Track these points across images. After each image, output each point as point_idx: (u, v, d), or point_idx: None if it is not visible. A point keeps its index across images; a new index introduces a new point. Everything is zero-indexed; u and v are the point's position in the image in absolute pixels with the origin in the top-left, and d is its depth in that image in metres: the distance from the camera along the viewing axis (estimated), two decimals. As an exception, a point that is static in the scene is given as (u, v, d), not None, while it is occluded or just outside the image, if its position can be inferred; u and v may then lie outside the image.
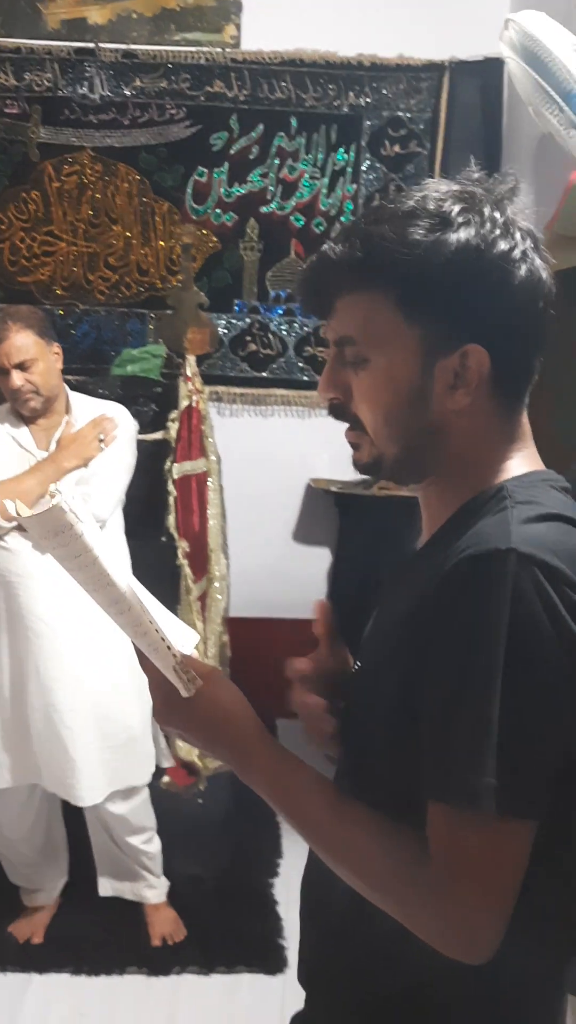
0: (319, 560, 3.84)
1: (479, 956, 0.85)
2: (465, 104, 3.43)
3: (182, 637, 1.03)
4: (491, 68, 3.36)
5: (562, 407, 2.50)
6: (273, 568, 3.76)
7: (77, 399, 2.53)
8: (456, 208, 0.92)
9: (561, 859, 0.91)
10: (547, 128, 1.82)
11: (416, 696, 0.88)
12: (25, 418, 2.45)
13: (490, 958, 0.85)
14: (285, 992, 2.42)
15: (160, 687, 0.98)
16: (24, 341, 2.36)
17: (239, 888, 2.82)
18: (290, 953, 2.56)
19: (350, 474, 3.74)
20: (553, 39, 1.79)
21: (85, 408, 2.51)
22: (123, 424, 2.48)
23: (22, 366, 2.35)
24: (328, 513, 3.75)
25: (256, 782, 0.97)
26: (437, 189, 0.94)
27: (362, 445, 1.00)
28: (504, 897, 0.84)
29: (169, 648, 0.95)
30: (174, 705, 0.97)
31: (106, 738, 2.41)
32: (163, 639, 0.94)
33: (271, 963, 2.53)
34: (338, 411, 1.00)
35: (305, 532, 3.81)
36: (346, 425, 1.02)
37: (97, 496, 2.37)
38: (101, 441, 2.40)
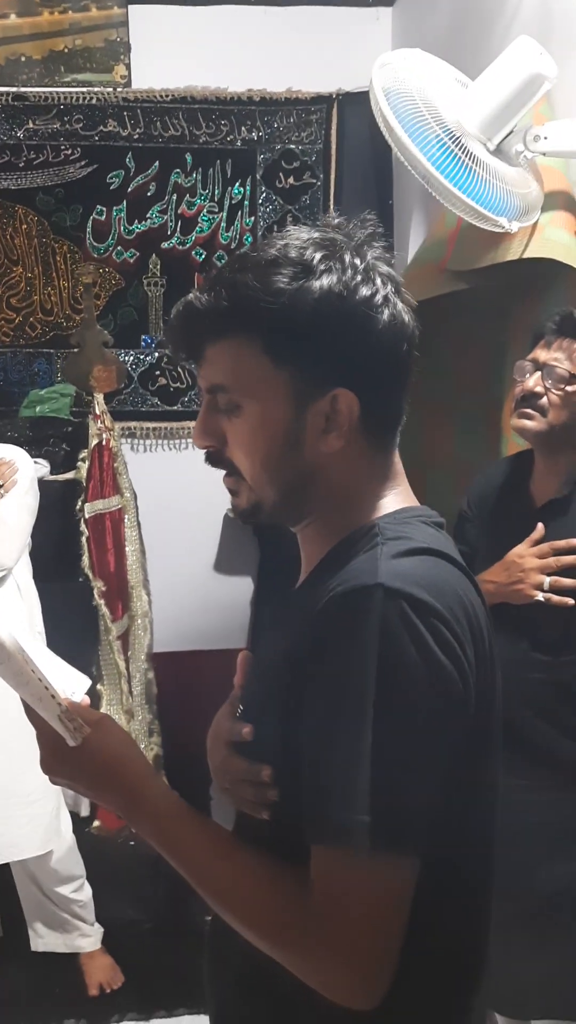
0: (242, 589, 3.83)
1: (366, 1000, 0.84)
2: (355, 134, 3.49)
3: (73, 683, 1.02)
4: (379, 99, 3.43)
5: (462, 430, 2.56)
6: (196, 600, 3.75)
7: None
8: (318, 256, 0.93)
9: (449, 894, 0.91)
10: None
11: (293, 737, 0.88)
12: None
13: (375, 1003, 0.83)
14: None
15: (46, 737, 0.96)
16: None
17: (175, 928, 2.78)
18: (230, 990, 2.53)
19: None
20: (431, 75, 1.83)
21: None
22: (21, 467, 2.45)
23: None
24: (248, 542, 3.75)
25: (143, 828, 0.96)
26: (298, 237, 0.96)
27: (240, 491, 1.01)
28: (388, 937, 0.83)
29: (54, 696, 0.94)
30: (60, 755, 0.96)
31: (16, 796, 2.36)
32: (47, 688, 0.93)
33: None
34: (214, 458, 1.01)
35: (226, 562, 3.81)
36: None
37: (1, 543, 2.34)
38: (0, 487, 2.37)
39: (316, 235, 0.97)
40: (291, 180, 3.56)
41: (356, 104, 3.46)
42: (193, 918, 2.81)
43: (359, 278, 0.94)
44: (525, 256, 2.00)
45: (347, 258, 0.94)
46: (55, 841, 2.44)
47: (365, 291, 0.94)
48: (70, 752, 0.95)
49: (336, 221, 1.00)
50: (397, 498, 1.00)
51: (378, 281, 0.95)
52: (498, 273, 2.13)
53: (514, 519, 1.90)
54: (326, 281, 0.92)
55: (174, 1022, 2.47)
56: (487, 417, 2.35)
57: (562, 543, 1.80)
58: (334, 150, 3.52)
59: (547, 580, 1.79)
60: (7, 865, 2.51)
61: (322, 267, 0.93)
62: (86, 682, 1.07)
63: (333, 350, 0.94)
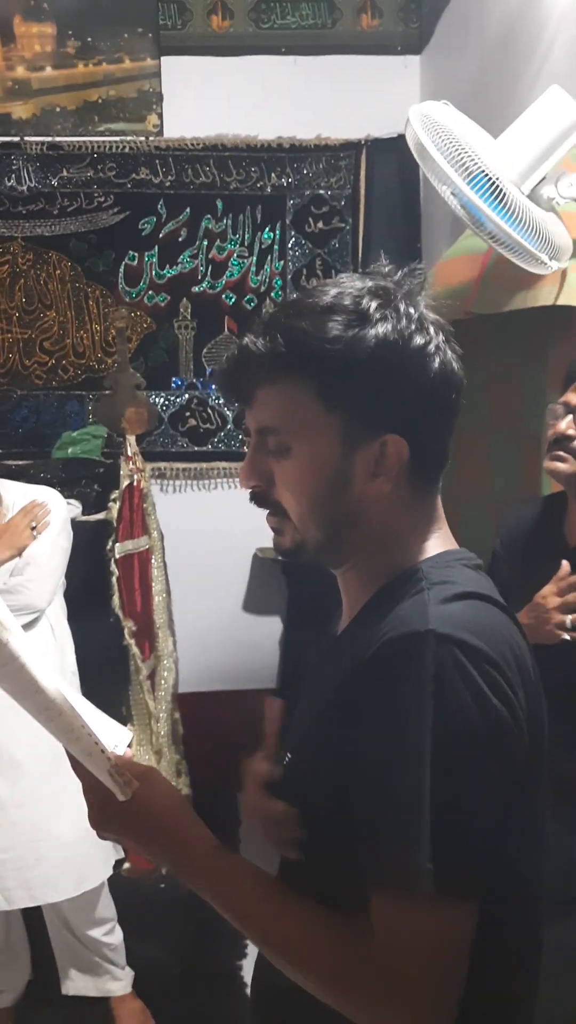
0: (270, 629, 3.84)
1: None
2: (383, 179, 3.56)
3: (115, 736, 1.02)
4: (405, 144, 3.47)
5: (498, 466, 2.57)
6: (224, 640, 3.76)
7: (6, 487, 2.51)
8: (373, 304, 0.95)
9: (504, 939, 0.90)
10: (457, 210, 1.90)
11: (345, 783, 0.89)
12: None
13: None
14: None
15: (94, 792, 0.96)
16: None
17: (206, 971, 2.75)
18: (261, 1036, 2.50)
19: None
20: (462, 123, 1.87)
21: (15, 495, 2.49)
22: (55, 508, 2.46)
23: None
24: (276, 581, 3.76)
25: (195, 882, 0.95)
26: (352, 285, 0.98)
27: (284, 531, 1.01)
28: (450, 981, 0.83)
29: (103, 751, 0.94)
30: (109, 810, 0.96)
31: (75, 832, 2.36)
32: (96, 743, 0.94)
33: (244, 1048, 2.47)
34: (260, 499, 1.02)
35: (254, 602, 3.82)
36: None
37: (34, 585, 2.35)
38: (33, 528, 2.39)
39: (370, 283, 0.98)
40: (320, 225, 3.61)
41: (384, 150, 3.53)
42: (223, 963, 2.79)
43: (413, 327, 0.95)
44: (557, 303, 2.02)
45: (402, 307, 0.96)
46: (88, 884, 2.43)
47: (419, 340, 0.95)
48: (119, 807, 0.95)
49: (386, 270, 1.01)
50: (439, 541, 1.01)
51: (431, 330, 0.97)
52: (532, 314, 2.15)
53: (546, 560, 1.89)
54: (382, 329, 0.94)
55: (205, 1069, 2.44)
56: (524, 453, 2.35)
57: (566, 574, 1.78)
58: (363, 195, 3.57)
59: (569, 618, 1.78)
60: (38, 908, 2.50)
61: (378, 315, 0.94)
62: (128, 735, 1.07)
63: (385, 396, 0.95)
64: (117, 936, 2.58)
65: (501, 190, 1.73)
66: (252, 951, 2.83)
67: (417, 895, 0.81)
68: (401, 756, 0.83)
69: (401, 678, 0.85)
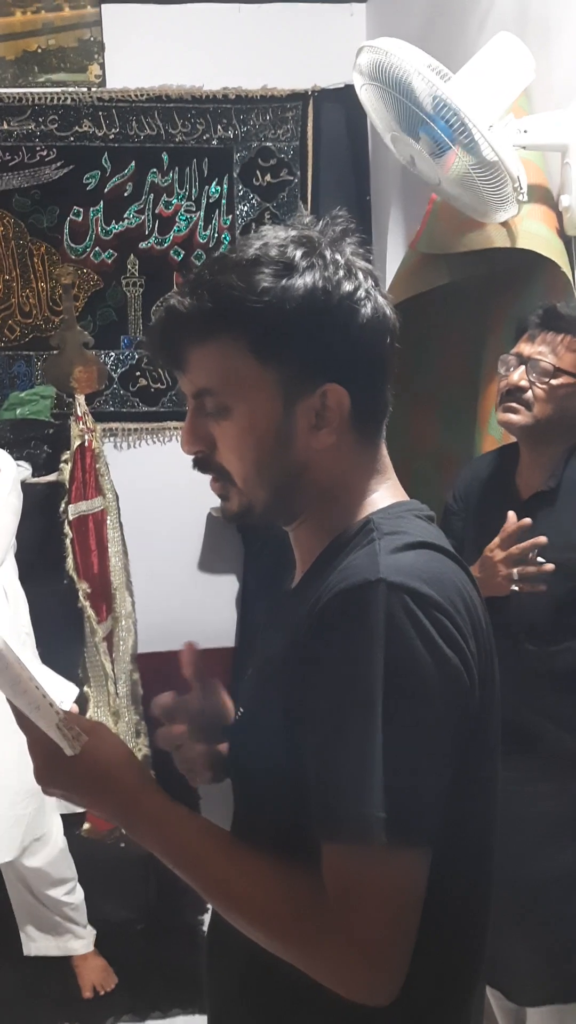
0: (227, 588, 3.83)
1: (382, 996, 0.84)
2: (331, 130, 3.50)
3: (61, 691, 1.01)
4: (353, 94, 3.42)
5: (447, 421, 2.57)
6: (181, 600, 3.74)
7: None
8: (299, 253, 0.94)
9: (454, 886, 0.91)
10: (401, 157, 1.87)
11: (298, 737, 0.89)
12: None
13: (392, 998, 0.84)
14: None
15: (40, 747, 0.95)
16: None
17: (168, 928, 2.79)
18: (224, 988, 2.53)
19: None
20: (408, 62, 1.83)
21: None
22: (4, 468, 2.43)
23: None
24: (232, 540, 3.75)
25: (144, 836, 0.95)
26: (276, 236, 0.97)
27: (230, 495, 1.00)
28: (406, 931, 0.83)
29: (52, 705, 0.93)
30: (56, 765, 0.94)
31: (20, 792, 2.35)
32: (44, 696, 0.92)
33: (205, 1003, 2.50)
34: (203, 464, 1.01)
35: (210, 561, 3.81)
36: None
37: None
38: None
39: (293, 233, 0.97)
40: (268, 178, 3.55)
41: (332, 100, 3.47)
42: (185, 918, 2.82)
43: (341, 273, 0.94)
44: (510, 247, 2.00)
45: (327, 254, 0.95)
46: (40, 842, 2.42)
47: (348, 286, 0.94)
48: (66, 761, 0.94)
49: (307, 219, 1.00)
50: (388, 492, 1.01)
51: (360, 275, 0.96)
52: (476, 264, 2.14)
53: (500, 512, 1.90)
54: (309, 278, 0.93)
55: (169, 1022, 2.46)
56: (471, 408, 2.35)
57: (513, 527, 1.79)
58: (311, 147, 3.52)
59: (516, 571, 1.79)
60: (-2, 870, 2.50)
61: (304, 264, 0.93)
62: (74, 690, 1.06)
63: (319, 346, 0.94)
64: (78, 896, 2.59)
65: (465, 124, 1.70)
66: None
67: (369, 844, 0.81)
68: (352, 704, 0.83)
69: (352, 627, 0.84)
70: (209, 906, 2.80)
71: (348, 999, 0.84)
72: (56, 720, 0.93)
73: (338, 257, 0.95)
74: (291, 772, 0.90)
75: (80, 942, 2.60)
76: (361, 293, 0.95)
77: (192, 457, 1.01)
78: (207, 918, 2.79)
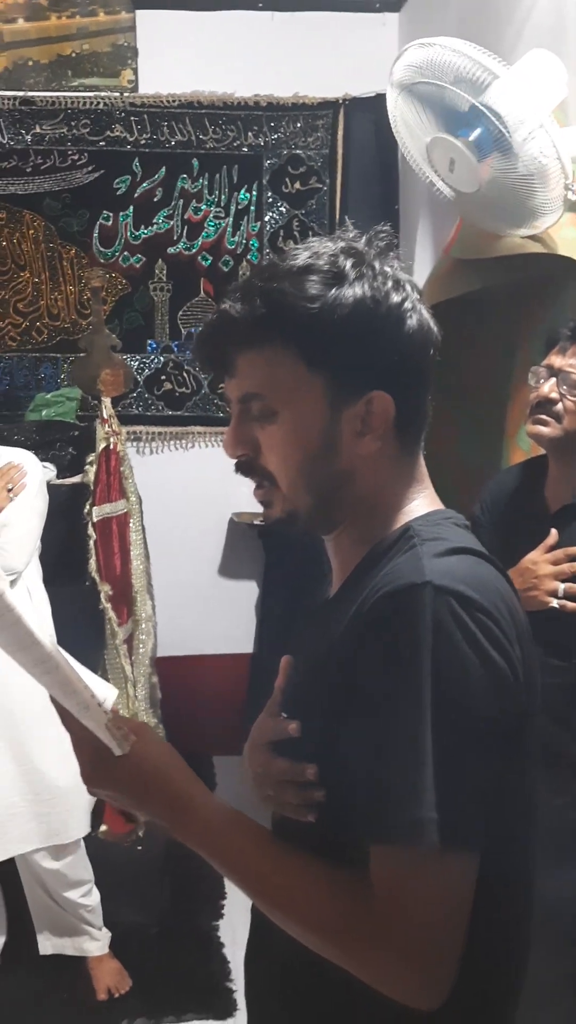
0: (246, 594, 3.84)
1: (433, 999, 0.83)
2: (361, 139, 3.51)
3: (101, 693, 1.01)
4: (383, 103, 3.43)
5: (470, 434, 2.56)
6: (200, 605, 3.76)
7: None
8: (348, 263, 0.95)
9: (502, 888, 0.91)
10: (434, 167, 1.87)
11: (342, 740, 0.89)
12: None
13: (441, 1002, 0.83)
14: (236, 1035, 2.40)
15: (86, 747, 0.94)
16: None
17: (183, 933, 2.78)
18: (239, 996, 2.53)
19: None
20: (465, 54, 1.82)
21: None
22: (31, 470, 2.44)
23: None
24: (252, 546, 3.76)
25: (191, 838, 0.94)
26: (324, 247, 0.98)
27: (273, 501, 1.00)
28: (455, 933, 0.83)
29: (100, 705, 0.93)
30: (103, 765, 0.94)
31: (35, 792, 2.36)
32: (93, 697, 0.92)
33: (220, 1007, 2.50)
34: (246, 468, 1.01)
35: (230, 567, 3.82)
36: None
37: (11, 548, 2.33)
38: (9, 491, 2.36)
39: (342, 244, 0.99)
40: (298, 185, 3.57)
41: (362, 110, 3.48)
42: (200, 923, 2.81)
43: (389, 284, 0.96)
44: (547, 252, 1.99)
45: (376, 266, 0.97)
46: (59, 839, 2.43)
47: (396, 297, 0.96)
48: (114, 762, 0.94)
49: (351, 233, 1.02)
50: (425, 501, 1.01)
51: (407, 288, 0.98)
52: (509, 272, 2.13)
53: (527, 525, 1.90)
54: (359, 288, 0.95)
55: (183, 1027, 2.46)
56: (492, 420, 2.35)
57: (554, 540, 1.79)
58: (340, 155, 3.53)
59: (561, 587, 1.79)
60: (16, 871, 2.50)
61: (354, 275, 0.95)
62: (114, 691, 1.06)
63: (367, 354, 0.95)
64: (94, 898, 2.59)
65: (522, 121, 1.69)
66: (228, 911, 2.88)
67: (420, 847, 0.81)
68: (400, 706, 0.83)
69: (399, 630, 0.85)
70: (227, 912, 2.79)
71: (395, 1001, 0.84)
72: (105, 720, 0.93)
73: (387, 269, 0.97)
74: (336, 776, 0.90)
75: (95, 943, 2.60)
76: (408, 304, 0.97)
77: (235, 461, 1.02)
78: (222, 924, 2.80)
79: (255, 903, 0.96)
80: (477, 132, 1.76)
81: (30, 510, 2.40)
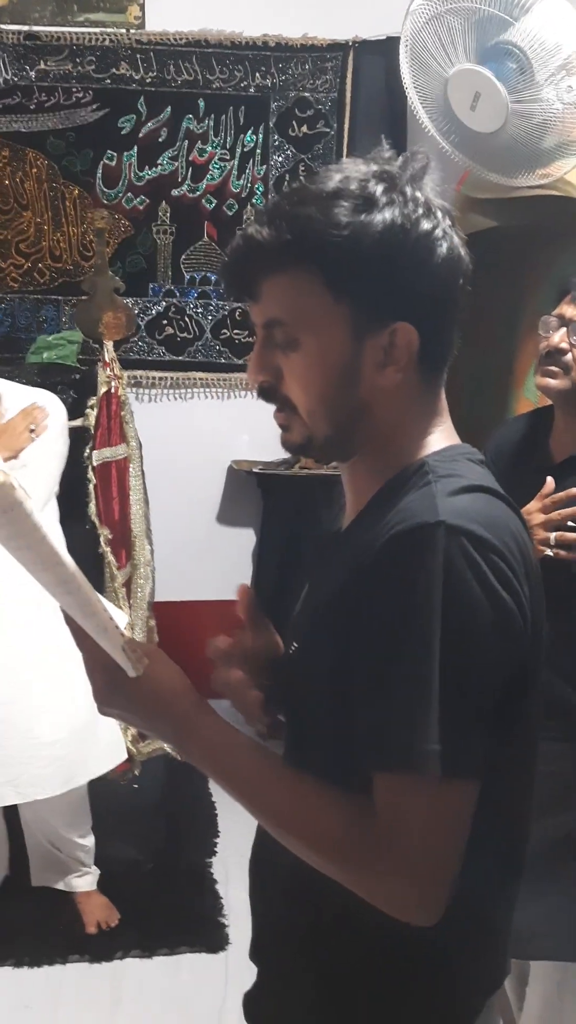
0: (243, 541, 3.86)
1: (429, 917, 0.88)
2: (370, 83, 3.45)
3: (116, 617, 1.03)
4: (394, 47, 3.36)
5: (476, 384, 2.56)
6: (197, 551, 3.77)
7: (6, 388, 2.49)
8: (379, 188, 0.93)
9: (498, 819, 0.94)
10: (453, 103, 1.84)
11: (352, 671, 0.91)
12: None
13: (436, 920, 0.88)
14: (228, 969, 2.45)
15: (100, 668, 0.96)
16: None
17: (177, 869, 2.84)
18: (231, 931, 2.59)
19: (271, 454, 3.77)
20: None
21: (15, 397, 2.46)
22: (54, 413, 2.45)
23: None
24: (250, 494, 3.76)
25: (200, 757, 0.97)
26: (357, 169, 0.96)
27: (292, 426, 1.01)
28: (452, 857, 0.87)
29: (117, 627, 0.95)
30: (117, 686, 0.96)
31: (66, 729, 2.39)
32: (111, 619, 0.94)
33: (213, 941, 2.56)
34: (268, 393, 1.01)
35: (228, 514, 3.83)
36: (271, 407, 1.03)
37: (29, 487, 2.34)
38: (32, 431, 2.37)
39: (375, 168, 0.96)
40: (304, 129, 3.52)
41: (372, 53, 3.42)
42: (193, 861, 2.87)
43: (420, 211, 0.94)
44: (559, 194, 1.97)
45: (408, 191, 0.94)
46: (74, 783, 2.46)
47: (426, 224, 0.94)
48: (128, 683, 0.96)
49: (387, 154, 0.99)
50: (443, 436, 1.02)
51: (438, 214, 0.96)
52: (522, 213, 2.11)
53: (531, 475, 1.90)
54: (388, 214, 0.92)
55: (175, 959, 2.52)
56: (499, 370, 2.35)
57: (561, 495, 1.79)
58: (349, 99, 3.48)
59: (553, 535, 1.80)
60: (15, 806, 2.54)
61: (384, 200, 0.93)
62: (125, 617, 1.08)
63: (393, 283, 0.94)
64: (90, 840, 2.65)
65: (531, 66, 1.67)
66: (221, 849, 2.93)
67: (422, 775, 0.84)
68: (409, 641, 0.85)
69: (411, 568, 0.86)
70: (220, 850, 2.84)
71: (394, 918, 0.88)
72: (121, 642, 0.95)
73: (418, 194, 0.95)
74: (344, 705, 0.92)
75: (83, 880, 2.65)
76: (439, 232, 0.95)
77: (257, 387, 1.02)
78: (215, 861, 2.86)
79: (260, 822, 0.99)
80: (507, 66, 1.72)
81: (51, 452, 2.42)
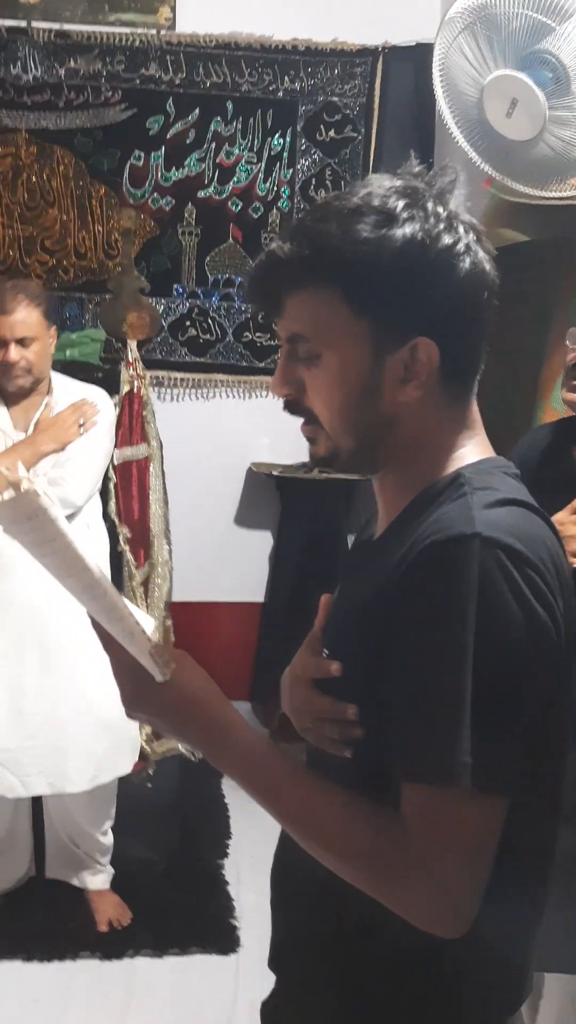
0: (260, 543, 3.86)
1: (456, 929, 0.88)
2: (399, 89, 3.47)
3: (143, 622, 1.03)
4: (424, 53, 3.37)
5: (500, 393, 2.56)
6: (215, 552, 3.78)
7: (59, 381, 2.52)
8: (400, 204, 0.93)
9: (527, 833, 0.94)
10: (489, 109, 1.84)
11: (383, 682, 0.90)
12: (4, 398, 2.42)
13: (463, 932, 0.87)
14: (239, 971, 2.45)
15: (128, 673, 0.96)
16: (30, 318, 2.35)
17: (189, 870, 2.84)
18: (242, 933, 2.59)
19: (291, 458, 3.77)
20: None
21: (67, 391, 2.50)
22: (103, 409, 2.48)
23: (22, 342, 2.33)
24: (269, 497, 3.77)
25: (227, 763, 0.97)
26: (380, 185, 0.96)
27: (318, 439, 1.01)
28: (480, 870, 0.87)
29: (144, 632, 0.94)
30: (145, 691, 0.96)
31: (97, 725, 2.41)
32: (137, 623, 0.93)
33: (224, 943, 2.56)
34: (293, 407, 1.02)
35: (246, 516, 3.83)
36: (298, 419, 1.03)
37: (73, 481, 2.36)
38: (81, 426, 2.39)
39: (399, 183, 0.96)
40: (332, 133, 3.52)
41: (401, 59, 3.43)
42: (207, 861, 2.87)
43: (441, 226, 0.94)
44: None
45: (430, 206, 0.94)
46: (103, 778, 2.48)
47: (447, 239, 0.94)
48: (156, 688, 0.95)
49: (416, 169, 0.99)
50: (477, 448, 1.01)
51: (460, 229, 0.95)
52: (556, 225, 2.11)
53: (557, 485, 1.90)
54: (409, 229, 0.92)
55: (186, 960, 2.52)
56: (526, 380, 2.34)
57: None
58: (377, 104, 3.48)
59: None
60: (39, 800, 2.56)
61: (405, 215, 0.93)
62: (152, 622, 1.07)
63: (413, 299, 0.94)
64: (110, 837, 2.65)
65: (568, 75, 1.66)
66: (234, 851, 2.93)
67: (453, 788, 0.84)
68: (444, 652, 0.85)
69: (446, 578, 0.86)
70: (232, 852, 2.83)
71: (418, 929, 0.88)
72: (149, 647, 0.94)
73: (440, 209, 0.95)
74: (370, 715, 0.93)
75: (98, 878, 2.65)
76: (460, 247, 0.94)
77: (282, 401, 1.02)
78: (227, 863, 2.86)
79: (287, 830, 0.98)
80: (543, 75, 1.72)
81: (96, 448, 2.44)
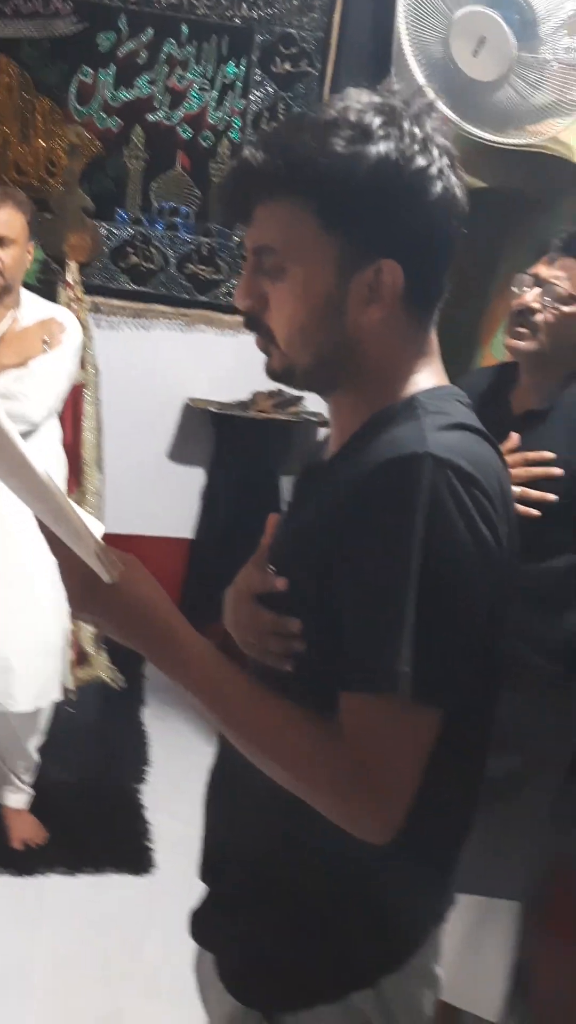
0: (193, 479, 3.84)
1: (382, 835, 0.91)
2: (358, 26, 3.41)
3: (91, 525, 1.02)
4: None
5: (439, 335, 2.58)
6: (147, 485, 3.75)
7: (28, 298, 2.46)
8: (377, 120, 0.92)
9: (459, 750, 0.97)
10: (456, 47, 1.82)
11: (327, 598, 0.93)
12: None
13: (389, 839, 0.91)
14: (152, 891, 2.50)
15: (75, 573, 0.95)
16: (14, 220, 2.32)
17: (107, 793, 2.87)
18: (156, 855, 2.63)
19: (228, 395, 3.73)
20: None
21: (35, 308, 2.45)
22: (71, 331, 2.43)
23: (1, 242, 2.29)
24: (204, 433, 3.75)
25: (172, 669, 0.97)
26: (359, 100, 0.94)
27: (272, 353, 1.01)
28: (408, 779, 0.90)
29: (91, 534, 0.94)
30: (92, 592, 0.95)
31: (42, 648, 2.43)
32: (84, 525, 0.93)
33: (137, 864, 2.60)
34: (252, 322, 1.01)
35: (180, 451, 3.81)
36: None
37: (32, 397, 2.33)
38: (46, 343, 2.34)
39: (376, 99, 0.95)
40: (287, 66, 3.46)
41: (363, -6, 3.37)
42: (124, 785, 2.91)
43: (416, 147, 0.93)
44: (552, 152, 1.98)
45: (406, 126, 0.93)
46: (45, 700, 2.50)
47: (421, 161, 0.93)
48: (103, 589, 0.95)
49: (396, 87, 0.98)
50: (433, 376, 1.02)
51: (435, 152, 0.94)
52: (514, 171, 2.12)
53: (490, 427, 1.93)
54: (383, 147, 0.92)
55: (100, 879, 2.56)
56: (467, 325, 2.37)
57: (533, 455, 1.82)
58: (335, 40, 3.43)
59: (516, 490, 1.83)
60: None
61: (380, 133, 0.92)
62: (101, 526, 1.07)
63: (383, 218, 0.94)
64: (35, 757, 2.66)
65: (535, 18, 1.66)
66: (152, 778, 2.96)
67: (392, 697, 0.87)
68: (391, 568, 0.87)
69: (397, 496, 0.87)
70: (149, 777, 2.85)
71: (355, 841, 0.91)
72: (95, 548, 0.94)
73: (416, 130, 0.93)
74: (316, 631, 0.95)
75: (17, 797, 2.67)
76: (433, 170, 0.94)
77: (243, 316, 1.02)
78: (145, 788, 2.88)
79: (228, 736, 1.00)
80: (512, 16, 1.71)
81: (61, 367, 2.41)
